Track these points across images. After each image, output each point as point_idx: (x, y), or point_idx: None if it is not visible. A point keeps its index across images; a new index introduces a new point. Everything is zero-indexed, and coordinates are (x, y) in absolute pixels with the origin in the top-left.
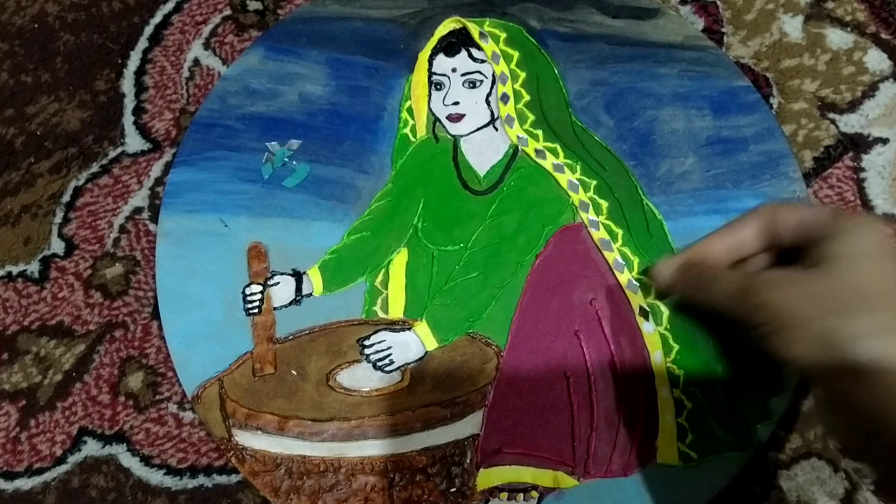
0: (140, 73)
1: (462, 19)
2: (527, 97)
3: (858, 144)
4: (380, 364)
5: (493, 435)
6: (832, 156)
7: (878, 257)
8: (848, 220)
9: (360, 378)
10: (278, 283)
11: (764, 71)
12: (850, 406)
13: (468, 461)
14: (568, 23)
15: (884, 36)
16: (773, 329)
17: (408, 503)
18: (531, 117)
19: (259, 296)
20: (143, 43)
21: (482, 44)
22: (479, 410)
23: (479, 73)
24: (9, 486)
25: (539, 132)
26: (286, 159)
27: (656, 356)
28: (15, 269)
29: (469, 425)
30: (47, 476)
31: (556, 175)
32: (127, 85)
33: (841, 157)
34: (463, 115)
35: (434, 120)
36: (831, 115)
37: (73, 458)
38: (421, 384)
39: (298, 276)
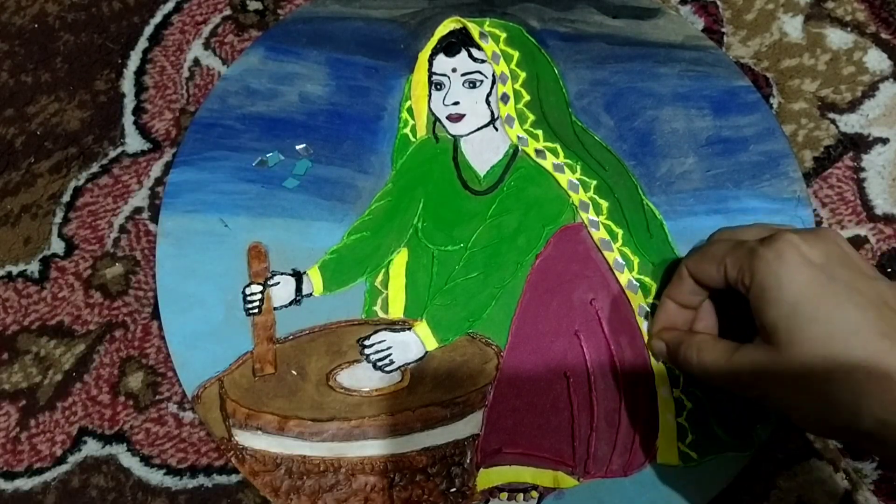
0: (140, 73)
1: (462, 19)
2: (527, 97)
3: (858, 144)
4: (380, 364)
5: (493, 435)
6: (832, 156)
7: (812, 304)
8: (759, 272)
9: (360, 378)
10: (278, 283)
11: (764, 71)
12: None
13: (468, 461)
14: (568, 23)
15: (884, 36)
16: (782, 414)
17: (408, 503)
18: (531, 117)
19: (259, 296)
20: (143, 43)
21: (482, 44)
22: (479, 410)
23: (480, 73)
24: (9, 486)
25: (539, 132)
26: (282, 157)
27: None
28: (15, 269)
29: (469, 425)
30: (47, 476)
31: (557, 175)
32: (127, 85)
33: (841, 157)
34: (463, 115)
35: (434, 120)
36: (831, 115)
37: (73, 458)
38: (421, 384)
39: (298, 276)
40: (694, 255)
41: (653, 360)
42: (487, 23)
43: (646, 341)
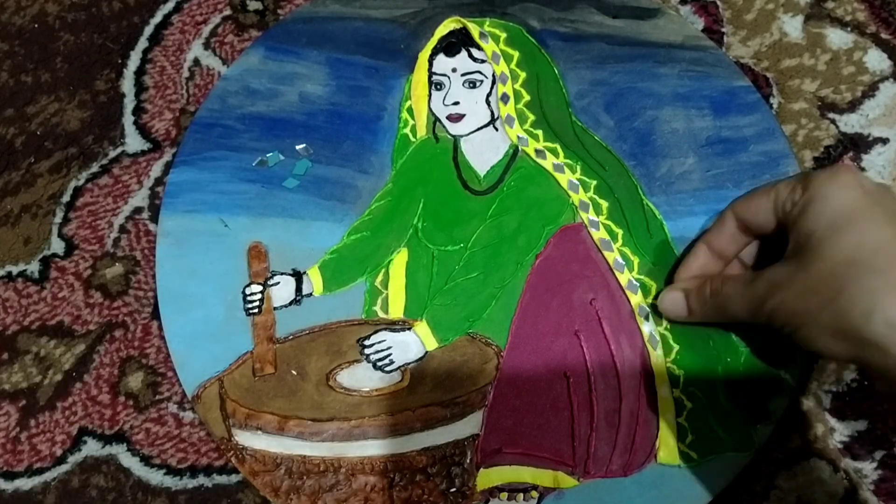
0: (140, 73)
1: (462, 19)
2: (527, 97)
3: (858, 144)
4: (380, 364)
5: (493, 435)
6: (832, 156)
7: (849, 218)
8: (812, 187)
9: (360, 378)
10: (278, 282)
11: (764, 71)
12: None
13: (468, 461)
14: (568, 23)
15: (884, 36)
16: (792, 330)
17: (408, 503)
18: (531, 117)
19: (259, 296)
20: (143, 43)
21: (482, 44)
22: (479, 410)
23: (480, 73)
24: (9, 486)
25: (539, 132)
26: (282, 157)
27: (656, 356)
28: (15, 269)
29: (469, 425)
30: (47, 476)
31: (557, 175)
32: (127, 85)
33: (841, 157)
34: (463, 115)
35: (434, 120)
36: (831, 115)
37: (73, 458)
38: (421, 384)
39: (298, 275)
40: (741, 198)
41: (653, 359)
42: (487, 23)
43: (651, 349)
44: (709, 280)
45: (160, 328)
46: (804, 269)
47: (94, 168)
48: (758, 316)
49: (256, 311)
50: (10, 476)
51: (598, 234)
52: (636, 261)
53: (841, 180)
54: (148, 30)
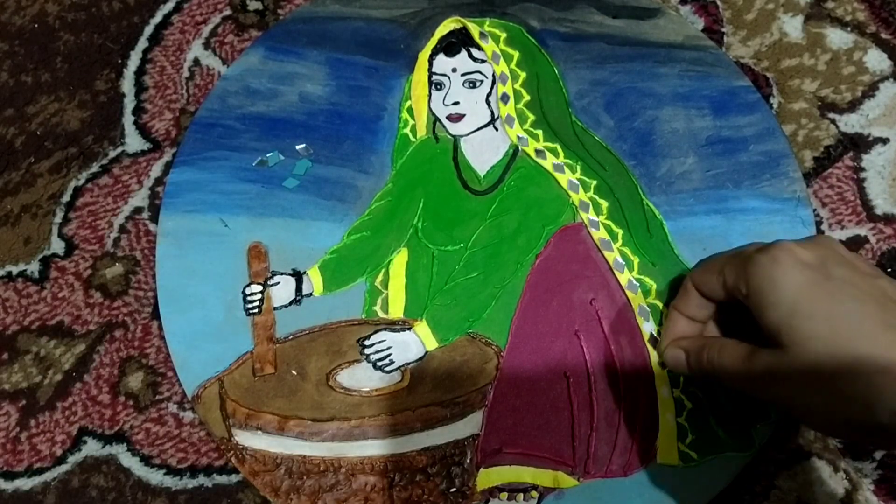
0: (140, 72)
1: (462, 19)
2: (527, 97)
3: (858, 144)
4: (380, 364)
5: (493, 435)
6: (832, 156)
7: (808, 307)
8: (756, 277)
9: (360, 378)
10: (278, 282)
11: (764, 71)
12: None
13: (468, 461)
14: (568, 23)
15: (884, 36)
16: (794, 414)
17: (408, 503)
18: (531, 117)
19: (259, 296)
20: (143, 43)
21: (482, 44)
22: (479, 410)
23: (480, 73)
24: (9, 486)
25: (539, 132)
26: (282, 157)
27: (656, 356)
28: (15, 269)
29: (469, 425)
30: (47, 476)
31: (557, 175)
32: (127, 85)
33: (841, 157)
34: (463, 115)
35: (434, 120)
36: (831, 115)
37: (73, 458)
38: (421, 384)
39: (298, 275)
40: (697, 268)
41: (653, 360)
42: (487, 23)
43: (651, 349)
44: (707, 346)
45: (160, 328)
46: (788, 361)
47: (94, 168)
48: (758, 395)
49: (256, 311)
50: (10, 476)
51: (598, 234)
52: (636, 261)
53: (782, 262)
54: (148, 30)
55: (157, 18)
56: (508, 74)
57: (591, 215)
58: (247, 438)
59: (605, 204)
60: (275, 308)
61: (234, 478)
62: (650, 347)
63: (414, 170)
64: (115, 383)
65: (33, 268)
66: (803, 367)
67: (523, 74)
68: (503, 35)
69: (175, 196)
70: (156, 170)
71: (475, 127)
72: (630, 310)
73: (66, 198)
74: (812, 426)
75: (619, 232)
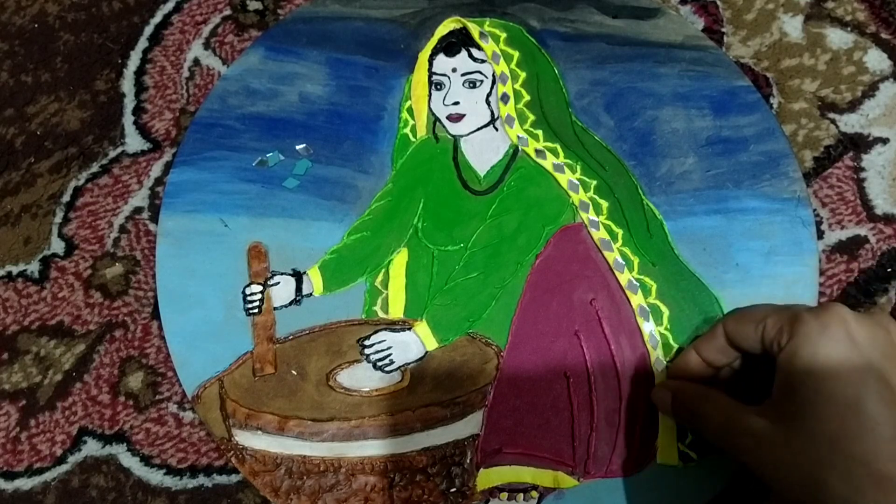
0: (140, 72)
1: (462, 19)
2: (527, 97)
3: (858, 144)
4: (380, 364)
5: (493, 435)
6: (832, 156)
7: (835, 384)
8: (799, 335)
9: (360, 378)
10: (278, 282)
11: (764, 71)
12: None
13: (468, 461)
14: (568, 23)
15: (884, 36)
16: (765, 483)
17: (408, 503)
18: (531, 117)
19: (259, 296)
20: (143, 43)
21: (482, 44)
22: (479, 410)
23: (480, 72)
24: (9, 486)
25: (539, 132)
26: (282, 157)
27: (656, 356)
28: (15, 269)
29: (469, 425)
30: (47, 476)
31: (557, 175)
32: (127, 85)
33: (841, 157)
34: (463, 115)
35: (434, 120)
36: (831, 115)
37: (73, 458)
38: (421, 384)
39: (298, 275)
40: (734, 315)
41: (652, 360)
42: (487, 23)
43: (651, 350)
44: (696, 394)
45: (160, 328)
46: (786, 436)
47: (94, 168)
48: (732, 454)
49: (256, 311)
50: (10, 476)
51: (598, 234)
52: (636, 261)
53: (830, 333)
54: (148, 30)
55: (157, 18)
56: (508, 74)
57: (591, 215)
58: (247, 438)
59: (605, 204)
60: (275, 308)
61: (234, 478)
62: (650, 347)
63: (414, 170)
64: (115, 383)
65: (33, 268)
66: (797, 442)
67: (523, 74)
68: (503, 35)
69: (175, 196)
70: (156, 170)
71: (475, 127)
72: (630, 310)
73: (66, 198)
74: (778, 498)
75: (619, 232)
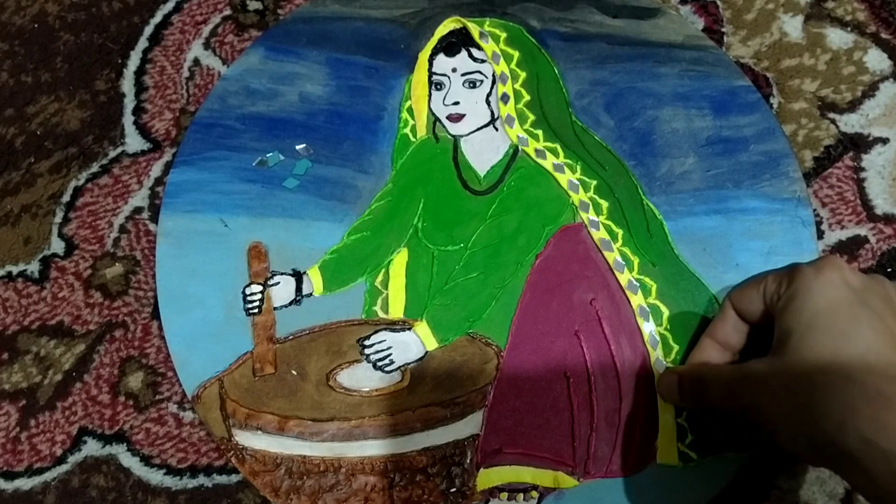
0: (140, 72)
1: (462, 19)
2: (527, 97)
3: (858, 144)
4: (380, 364)
5: (493, 435)
6: (832, 155)
7: (829, 320)
8: (796, 282)
9: (361, 378)
10: (278, 282)
11: (764, 71)
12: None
13: (468, 461)
14: (568, 23)
15: (884, 36)
16: (766, 430)
17: (408, 503)
18: (531, 117)
19: (259, 296)
20: (143, 43)
21: (482, 44)
22: (479, 410)
23: (480, 72)
24: (9, 486)
25: (539, 132)
26: (282, 157)
27: (656, 356)
28: (15, 269)
29: (469, 425)
30: (47, 476)
31: (557, 175)
32: (127, 85)
33: (841, 157)
34: (463, 115)
35: (434, 120)
36: (831, 115)
37: (73, 458)
38: (421, 384)
39: (298, 275)
40: (736, 287)
41: (652, 360)
42: (487, 23)
43: (651, 350)
44: (699, 367)
45: (160, 328)
46: (780, 369)
47: (94, 168)
48: (732, 407)
49: (256, 311)
50: (10, 476)
51: (598, 234)
52: (636, 261)
53: (825, 277)
54: (148, 30)
55: (157, 18)
56: (508, 74)
57: (591, 215)
58: (247, 438)
59: (605, 204)
60: (275, 308)
61: (234, 478)
62: (650, 348)
63: (414, 170)
64: (115, 383)
65: (33, 268)
66: (793, 372)
67: (523, 74)
68: (503, 35)
69: (175, 196)
70: (156, 170)
71: (475, 127)
72: (630, 310)
73: (66, 198)
74: (779, 439)
75: (619, 232)
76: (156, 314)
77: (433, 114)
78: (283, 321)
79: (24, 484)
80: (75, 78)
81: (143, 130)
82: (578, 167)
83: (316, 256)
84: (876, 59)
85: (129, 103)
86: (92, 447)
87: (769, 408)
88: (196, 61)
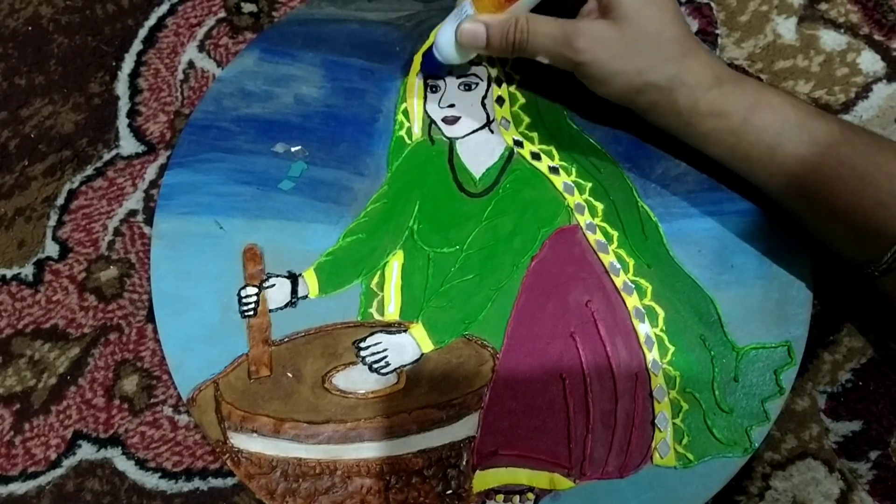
0: (134, 75)
1: None
2: (522, 100)
3: None
4: (376, 366)
5: (489, 437)
6: None
7: None
8: None
9: (356, 380)
10: (274, 285)
11: (758, 72)
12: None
13: (464, 463)
14: None
15: (877, 37)
16: (593, 79)
17: None
18: (526, 120)
19: (254, 298)
20: (137, 45)
21: None
22: (475, 412)
23: (475, 75)
24: (3, 490)
25: (534, 134)
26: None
27: (652, 358)
28: (9, 273)
29: (465, 427)
30: (42, 480)
31: (552, 177)
32: (121, 87)
33: None
34: (458, 118)
35: (430, 122)
36: None
37: (68, 462)
38: (417, 386)
39: (294, 278)
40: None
41: (648, 362)
42: None
43: (646, 351)
44: (515, 20)
45: (155, 331)
46: (620, 33)
47: (89, 171)
48: (562, 60)
49: (252, 313)
50: (5, 480)
51: (594, 237)
52: (631, 263)
53: None
54: (142, 32)
55: (152, 21)
56: (504, 77)
57: (587, 217)
58: (242, 441)
59: (600, 206)
60: (270, 310)
61: (229, 481)
62: (645, 349)
63: (409, 172)
64: (109, 387)
65: (27, 271)
66: (632, 42)
67: (518, 77)
68: None
69: (170, 198)
70: (150, 172)
71: (471, 129)
72: (626, 311)
73: (60, 201)
74: (598, 86)
75: (615, 234)
76: (150, 317)
77: (429, 116)
78: (278, 323)
79: (19, 488)
80: (69, 81)
81: (138, 133)
82: (574, 169)
83: (311, 258)
84: (869, 61)
85: (124, 106)
86: (87, 451)
87: (610, 67)
88: (190, 64)
